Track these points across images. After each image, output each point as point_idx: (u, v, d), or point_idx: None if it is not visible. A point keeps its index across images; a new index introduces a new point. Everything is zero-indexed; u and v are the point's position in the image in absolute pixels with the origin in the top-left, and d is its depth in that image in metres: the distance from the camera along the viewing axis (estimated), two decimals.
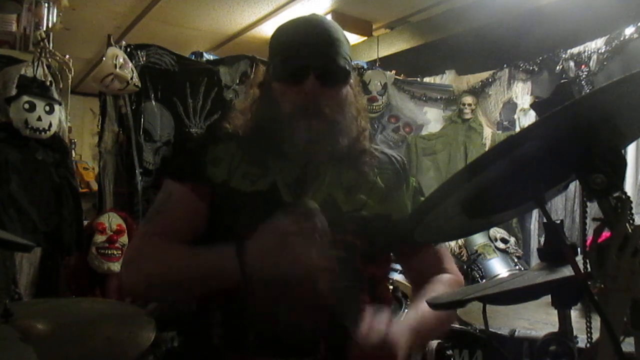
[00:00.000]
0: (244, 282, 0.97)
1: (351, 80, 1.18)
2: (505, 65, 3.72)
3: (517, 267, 2.77)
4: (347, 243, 1.11)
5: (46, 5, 2.69)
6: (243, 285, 0.98)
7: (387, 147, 1.41)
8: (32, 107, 2.46)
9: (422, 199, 1.25)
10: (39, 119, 2.47)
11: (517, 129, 3.56)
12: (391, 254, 1.28)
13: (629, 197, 0.63)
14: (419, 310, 1.08)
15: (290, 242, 0.93)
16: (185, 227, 1.11)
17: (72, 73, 2.70)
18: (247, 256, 0.97)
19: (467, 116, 3.82)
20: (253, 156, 1.14)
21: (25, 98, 2.45)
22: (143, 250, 1.11)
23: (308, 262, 0.93)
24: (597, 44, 3.26)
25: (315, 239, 0.93)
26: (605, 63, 3.20)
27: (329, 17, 4.13)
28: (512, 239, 2.97)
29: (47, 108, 2.51)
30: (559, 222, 0.82)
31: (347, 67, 1.15)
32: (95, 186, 3.65)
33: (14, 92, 2.43)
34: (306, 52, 1.10)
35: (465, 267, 2.78)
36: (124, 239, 2.54)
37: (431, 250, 1.25)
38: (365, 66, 3.91)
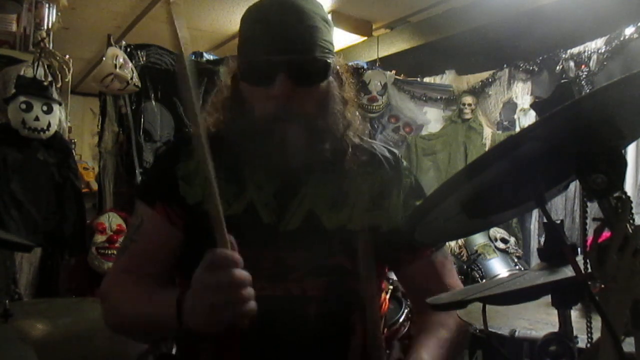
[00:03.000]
0: (183, 332, 0.86)
1: (335, 69, 1.00)
2: (505, 65, 3.72)
3: (517, 267, 2.77)
4: (335, 266, 1.00)
5: (46, 5, 2.69)
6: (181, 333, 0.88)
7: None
8: (29, 107, 2.46)
9: (417, 200, 1.10)
10: (37, 118, 2.47)
11: (517, 129, 3.56)
12: (385, 265, 1.14)
13: (629, 197, 0.63)
14: None
15: (207, 297, 0.78)
16: (158, 257, 1.02)
17: (71, 72, 2.70)
18: (185, 305, 0.84)
19: (467, 116, 3.82)
20: (226, 172, 0.96)
21: (22, 98, 2.45)
22: (112, 290, 1.02)
23: (229, 315, 0.78)
24: (597, 44, 3.26)
25: (233, 288, 0.77)
26: (605, 63, 3.20)
27: (329, 17, 4.16)
28: (512, 239, 2.97)
29: (45, 108, 2.51)
30: (559, 222, 0.82)
31: (327, 58, 0.96)
32: (95, 186, 3.65)
33: (12, 92, 2.44)
34: (274, 47, 0.91)
35: (465, 267, 2.78)
36: None
37: (428, 260, 1.09)
38: (365, 66, 3.91)
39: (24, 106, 2.45)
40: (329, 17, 1.04)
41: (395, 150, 1.16)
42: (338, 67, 1.02)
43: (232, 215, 0.96)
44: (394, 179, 1.10)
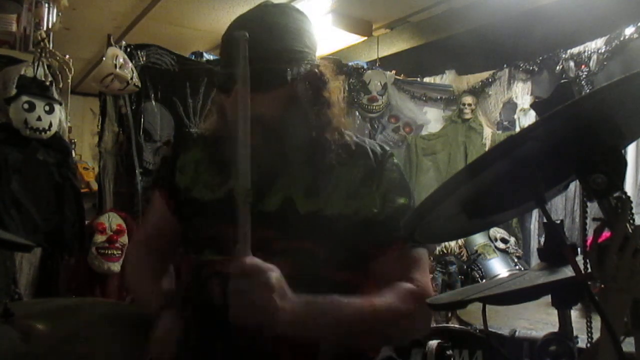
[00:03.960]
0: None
1: (309, 73, 1.05)
2: (505, 65, 3.73)
3: (517, 267, 2.77)
4: (306, 250, 1.03)
5: (46, 5, 2.69)
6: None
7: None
8: (32, 107, 2.46)
9: (400, 197, 1.10)
10: (39, 119, 2.47)
11: (517, 129, 3.56)
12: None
13: (629, 197, 0.63)
14: (333, 298, 0.97)
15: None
16: (161, 234, 1.23)
17: (72, 72, 2.70)
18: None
19: (467, 116, 3.82)
20: (214, 162, 1.13)
21: (25, 98, 2.45)
22: (128, 257, 1.35)
23: None
24: (597, 44, 3.26)
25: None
26: (605, 63, 3.20)
27: (329, 17, 4.13)
28: (512, 239, 2.97)
29: (47, 108, 2.51)
30: (559, 222, 0.82)
31: (287, 66, 1.01)
32: (95, 186, 3.65)
33: (13, 92, 2.43)
34: (229, 60, 0.96)
35: (465, 267, 2.78)
36: (124, 239, 2.54)
37: (397, 254, 1.06)
38: (365, 66, 3.91)
39: (26, 106, 2.45)
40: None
41: (388, 148, 1.18)
42: (318, 70, 1.07)
43: (214, 200, 1.10)
44: (376, 171, 1.11)
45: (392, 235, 1.05)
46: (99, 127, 2.93)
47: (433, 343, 1.53)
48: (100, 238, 2.50)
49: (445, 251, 2.97)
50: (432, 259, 2.88)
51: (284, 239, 1.04)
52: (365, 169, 1.11)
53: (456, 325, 1.73)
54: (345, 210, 1.07)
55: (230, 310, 0.86)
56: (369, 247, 1.08)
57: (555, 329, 0.85)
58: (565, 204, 3.30)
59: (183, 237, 1.19)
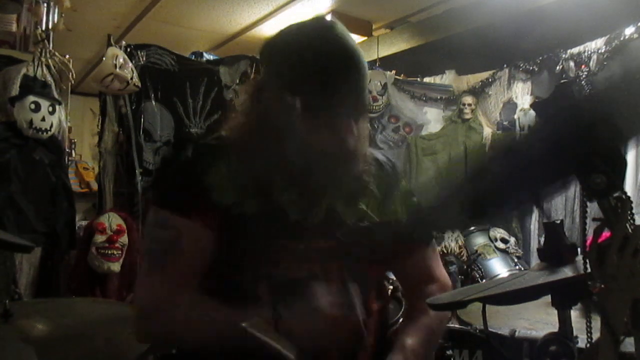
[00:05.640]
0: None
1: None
2: (505, 65, 3.72)
3: (517, 267, 2.77)
4: (355, 253, 1.11)
5: (45, 5, 2.69)
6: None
7: (387, 147, 1.41)
8: (38, 107, 2.46)
9: (414, 198, 1.25)
10: (43, 119, 2.48)
11: (517, 129, 3.56)
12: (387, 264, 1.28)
13: (629, 197, 0.63)
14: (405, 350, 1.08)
15: None
16: (199, 265, 1.05)
17: (74, 75, 2.70)
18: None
19: (467, 116, 3.82)
20: (255, 174, 1.05)
21: (32, 98, 2.45)
22: (172, 301, 1.03)
23: None
24: (597, 44, 3.26)
25: None
26: (605, 63, 3.20)
27: (329, 17, 4.15)
28: (512, 239, 2.97)
29: (51, 109, 2.52)
30: (559, 222, 0.82)
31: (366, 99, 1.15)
32: (95, 186, 3.65)
33: (15, 92, 2.43)
34: (335, 83, 1.01)
35: (465, 267, 2.77)
36: (124, 239, 2.54)
37: (423, 253, 1.24)
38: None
39: (33, 106, 2.45)
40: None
41: (389, 155, 1.30)
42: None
43: (262, 212, 1.05)
44: (394, 181, 1.23)
45: (416, 236, 1.20)
46: (99, 127, 2.93)
47: None
48: (100, 238, 2.49)
49: (445, 251, 2.97)
50: None
51: (333, 247, 1.10)
52: (387, 178, 1.21)
53: (456, 325, 1.73)
54: (381, 217, 1.16)
55: None
56: (400, 248, 1.20)
57: (555, 329, 0.85)
58: (565, 204, 3.30)
59: (222, 260, 1.05)
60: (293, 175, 1.05)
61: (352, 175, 1.12)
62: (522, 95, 3.61)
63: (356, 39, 4.89)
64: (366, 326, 1.10)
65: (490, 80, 3.79)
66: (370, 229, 1.14)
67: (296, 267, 1.07)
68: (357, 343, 1.10)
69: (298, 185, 1.07)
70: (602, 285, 0.63)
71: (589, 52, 3.26)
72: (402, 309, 1.94)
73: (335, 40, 1.03)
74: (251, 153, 1.06)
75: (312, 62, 1.00)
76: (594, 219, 0.67)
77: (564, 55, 3.37)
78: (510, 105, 3.71)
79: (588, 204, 0.67)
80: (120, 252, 2.50)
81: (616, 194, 0.63)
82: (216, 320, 1.02)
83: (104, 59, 2.74)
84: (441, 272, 1.27)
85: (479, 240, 2.88)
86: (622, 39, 3.15)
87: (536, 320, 1.39)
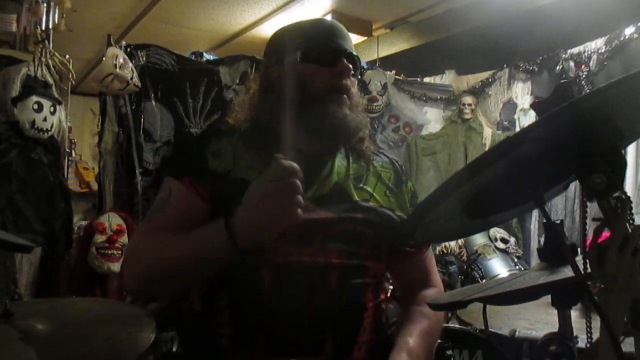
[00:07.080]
0: (236, 252, 0.97)
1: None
2: (505, 65, 3.72)
3: (517, 267, 2.77)
4: (358, 232, 1.13)
5: (45, 5, 2.69)
6: (236, 258, 0.99)
7: (387, 147, 1.44)
8: (40, 108, 2.46)
9: (418, 200, 1.29)
10: (45, 119, 2.48)
11: (517, 129, 3.56)
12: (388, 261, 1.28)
13: (629, 197, 0.63)
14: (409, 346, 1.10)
15: (276, 195, 0.95)
16: (185, 224, 1.08)
17: (74, 76, 2.70)
18: (236, 224, 0.97)
19: (467, 116, 3.82)
20: (257, 147, 1.14)
21: (35, 98, 2.44)
22: (141, 245, 1.11)
23: (295, 211, 0.94)
24: (597, 44, 3.26)
25: (298, 189, 0.95)
26: (605, 63, 3.20)
27: (329, 17, 4.14)
28: (512, 239, 2.97)
29: (52, 109, 2.52)
30: (559, 222, 0.82)
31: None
32: (95, 186, 3.65)
33: (15, 92, 2.43)
34: (337, 38, 1.18)
35: (465, 267, 2.77)
36: (124, 239, 2.54)
37: (421, 258, 1.27)
38: (365, 66, 3.91)
39: (36, 106, 2.45)
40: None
41: (393, 157, 1.35)
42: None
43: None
44: (401, 179, 1.28)
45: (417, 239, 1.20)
46: (99, 127, 2.92)
47: None
48: (100, 238, 2.49)
49: (445, 251, 2.96)
50: None
51: (339, 221, 1.12)
52: (397, 174, 1.27)
53: (456, 325, 1.73)
54: (386, 203, 1.20)
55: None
56: (403, 250, 1.24)
57: (555, 329, 0.85)
58: (565, 204, 3.30)
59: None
60: (309, 135, 1.15)
61: (354, 149, 1.23)
62: (522, 95, 3.61)
63: (356, 39, 4.91)
64: (362, 320, 1.11)
65: (490, 80, 3.79)
66: (377, 211, 1.17)
67: (295, 251, 1.08)
68: (352, 335, 1.10)
69: (299, 154, 1.10)
70: (602, 285, 0.63)
71: (589, 52, 3.26)
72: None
73: (335, 22, 1.25)
74: (254, 130, 1.19)
75: (319, 29, 1.19)
76: (594, 219, 0.67)
77: (564, 55, 3.37)
78: (510, 105, 3.71)
79: (588, 204, 0.67)
80: (120, 252, 2.50)
81: (616, 194, 0.63)
82: (185, 239, 1.05)
83: (104, 59, 2.74)
84: (437, 277, 1.32)
85: (479, 240, 2.89)
86: (622, 39, 3.15)
87: (536, 320, 1.39)
